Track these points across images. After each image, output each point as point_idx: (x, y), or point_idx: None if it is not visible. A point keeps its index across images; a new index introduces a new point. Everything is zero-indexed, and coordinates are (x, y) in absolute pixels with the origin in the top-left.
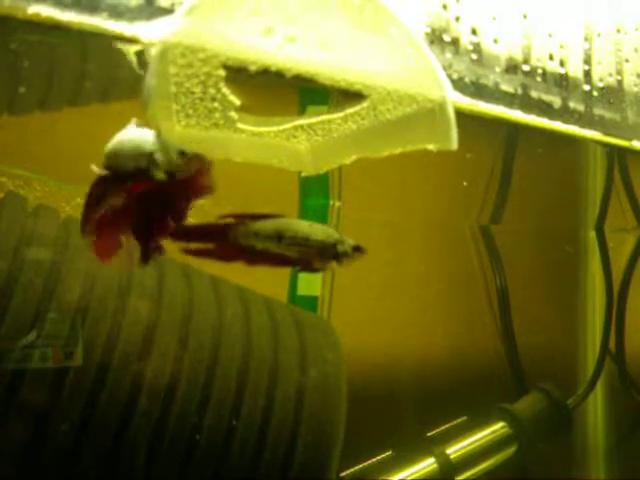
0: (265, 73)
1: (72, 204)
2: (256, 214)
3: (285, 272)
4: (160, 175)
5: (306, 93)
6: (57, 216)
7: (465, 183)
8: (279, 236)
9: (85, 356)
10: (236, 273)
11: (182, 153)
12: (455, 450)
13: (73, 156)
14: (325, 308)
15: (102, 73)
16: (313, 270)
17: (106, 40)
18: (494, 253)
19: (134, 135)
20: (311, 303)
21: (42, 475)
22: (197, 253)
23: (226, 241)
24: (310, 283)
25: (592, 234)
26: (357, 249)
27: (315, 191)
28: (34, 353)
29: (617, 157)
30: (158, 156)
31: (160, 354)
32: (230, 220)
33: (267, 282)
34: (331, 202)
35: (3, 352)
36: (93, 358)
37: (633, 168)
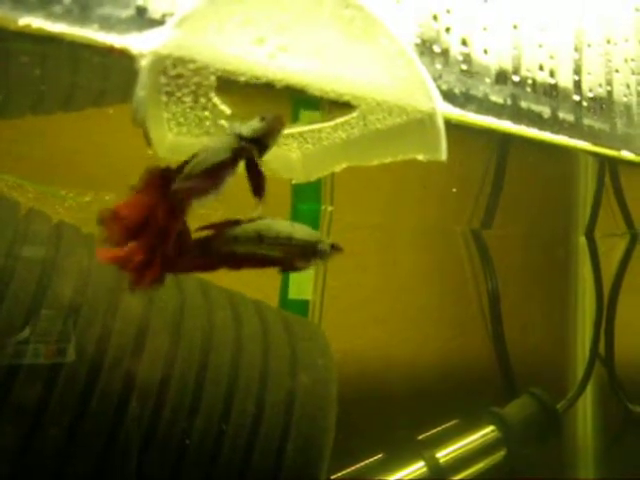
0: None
1: (64, 207)
2: (236, 219)
3: (276, 276)
4: (250, 147)
5: (299, 98)
6: (49, 219)
7: (456, 188)
8: (260, 237)
9: (76, 361)
10: (227, 277)
11: (262, 118)
12: (445, 454)
13: (67, 159)
14: (316, 312)
15: (95, 78)
16: (295, 269)
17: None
18: (485, 257)
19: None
20: (302, 307)
21: (33, 477)
22: (181, 269)
23: (209, 252)
24: (301, 287)
25: (583, 239)
26: (335, 248)
27: (307, 195)
28: (27, 349)
29: (608, 163)
30: (243, 129)
31: (151, 359)
32: (210, 231)
33: (258, 286)
34: (323, 206)
35: None
36: (84, 363)
37: (623, 174)
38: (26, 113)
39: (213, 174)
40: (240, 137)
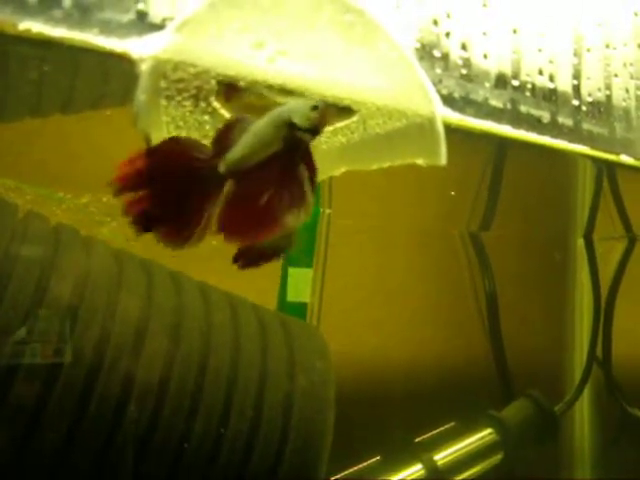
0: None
1: (62, 209)
2: None
3: (275, 278)
4: (305, 136)
5: None
6: (47, 221)
7: (454, 190)
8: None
9: (74, 362)
10: (225, 279)
11: (315, 107)
12: (442, 456)
13: (65, 161)
14: (315, 314)
15: (94, 81)
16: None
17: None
18: (483, 260)
19: (266, 117)
20: (301, 309)
21: (30, 478)
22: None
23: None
24: (299, 289)
25: (581, 241)
26: None
27: None
28: (24, 350)
29: (606, 166)
30: (296, 118)
31: (149, 361)
32: None
33: (256, 288)
34: (321, 209)
35: None
36: (82, 364)
37: (621, 176)
38: (25, 116)
39: (269, 167)
40: (292, 126)
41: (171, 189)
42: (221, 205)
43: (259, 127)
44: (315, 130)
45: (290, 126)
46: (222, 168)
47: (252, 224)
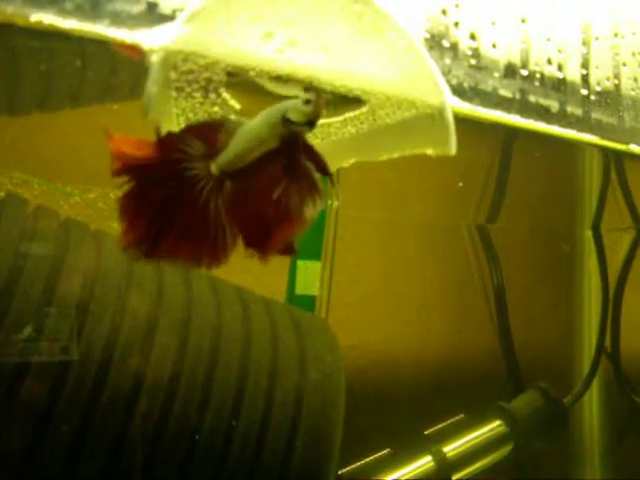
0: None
1: (70, 203)
2: None
3: (284, 271)
4: (303, 130)
5: None
6: (56, 216)
7: (462, 182)
8: None
9: (85, 358)
10: (235, 273)
11: (308, 101)
12: (452, 448)
13: (72, 156)
14: (323, 307)
15: (103, 73)
16: None
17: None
18: (491, 252)
19: (259, 116)
20: (309, 302)
21: (41, 476)
22: None
23: None
24: (308, 283)
25: (589, 233)
26: None
27: None
28: (32, 347)
29: (613, 157)
30: (292, 115)
31: (159, 356)
32: None
33: (265, 282)
34: (329, 202)
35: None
36: (92, 360)
37: (629, 167)
38: (33, 110)
39: (270, 164)
40: (288, 122)
41: (172, 201)
42: (232, 210)
43: (252, 127)
44: (311, 123)
45: (286, 122)
46: (214, 169)
47: (271, 224)
